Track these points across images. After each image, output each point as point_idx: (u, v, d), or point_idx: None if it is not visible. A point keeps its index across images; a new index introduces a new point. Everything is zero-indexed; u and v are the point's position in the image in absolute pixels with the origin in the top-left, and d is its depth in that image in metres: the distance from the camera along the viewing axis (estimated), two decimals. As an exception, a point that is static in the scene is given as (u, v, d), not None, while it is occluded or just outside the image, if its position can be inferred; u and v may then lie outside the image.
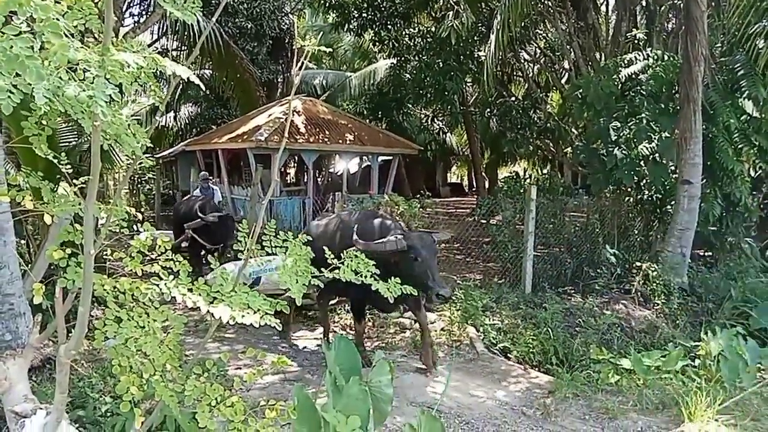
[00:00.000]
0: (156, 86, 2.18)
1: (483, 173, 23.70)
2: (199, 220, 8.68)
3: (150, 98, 2.38)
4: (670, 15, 12.06)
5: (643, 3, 13.35)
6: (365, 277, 2.36)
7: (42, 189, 2.09)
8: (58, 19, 1.54)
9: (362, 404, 3.06)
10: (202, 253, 9.13)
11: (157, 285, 1.84)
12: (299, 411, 2.71)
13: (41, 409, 1.97)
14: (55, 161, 2.07)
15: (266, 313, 1.79)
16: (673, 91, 9.10)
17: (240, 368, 5.42)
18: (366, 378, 3.32)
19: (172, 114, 19.93)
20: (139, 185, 19.49)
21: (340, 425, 2.62)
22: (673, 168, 8.90)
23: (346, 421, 2.65)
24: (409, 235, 5.04)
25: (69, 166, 2.30)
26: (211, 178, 12.54)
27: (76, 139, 7.55)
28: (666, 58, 9.05)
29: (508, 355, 6.47)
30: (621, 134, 8.84)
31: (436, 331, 7.01)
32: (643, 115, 8.69)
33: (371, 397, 3.20)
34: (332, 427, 2.65)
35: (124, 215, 2.13)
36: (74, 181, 2.24)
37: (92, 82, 1.48)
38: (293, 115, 13.04)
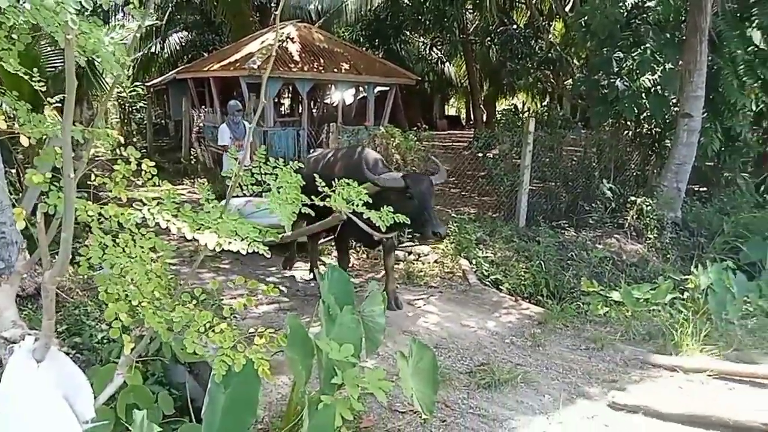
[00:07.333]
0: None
1: (481, 106, 23.27)
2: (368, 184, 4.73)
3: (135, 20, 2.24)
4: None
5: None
6: (356, 205, 2.31)
7: (18, 110, 1.99)
8: None
9: (355, 333, 3.08)
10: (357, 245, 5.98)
11: (140, 210, 1.78)
12: (293, 339, 2.72)
13: (29, 335, 1.97)
14: (31, 81, 1.96)
15: (254, 240, 1.75)
16: (681, 20, 8.78)
17: (234, 298, 5.47)
18: (359, 308, 3.34)
19: (160, 40, 19.23)
20: (130, 114, 19.06)
21: (333, 352, 2.64)
22: (674, 101, 8.73)
23: (339, 348, 2.67)
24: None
25: (54, 93, 2.18)
26: (242, 110, 9.15)
27: (63, 63, 7.30)
28: (674, -16, 8.67)
29: (500, 287, 6.54)
30: (624, 65, 8.61)
31: (429, 263, 7.06)
32: (647, 45, 8.42)
33: (364, 326, 3.23)
34: (325, 354, 2.68)
35: (106, 138, 2.05)
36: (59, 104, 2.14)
37: (60, -12, 1.36)
38: (287, 42, 12.59)
